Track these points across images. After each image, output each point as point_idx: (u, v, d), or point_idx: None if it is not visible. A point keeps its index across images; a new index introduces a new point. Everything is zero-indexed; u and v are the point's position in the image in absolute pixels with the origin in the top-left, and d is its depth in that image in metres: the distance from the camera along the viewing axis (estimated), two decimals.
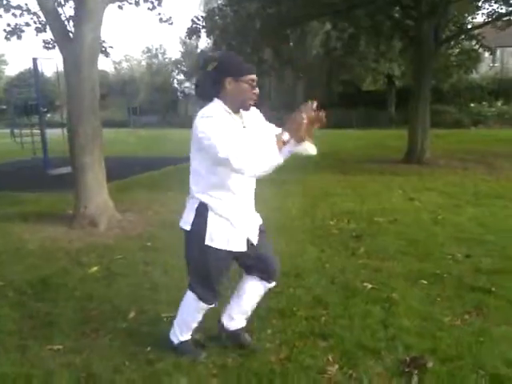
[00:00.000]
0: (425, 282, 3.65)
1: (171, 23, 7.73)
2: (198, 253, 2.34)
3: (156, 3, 7.25)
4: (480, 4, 12.94)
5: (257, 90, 2.30)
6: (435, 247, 4.54)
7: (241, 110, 2.34)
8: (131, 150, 16.04)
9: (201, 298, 2.45)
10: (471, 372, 2.40)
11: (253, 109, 2.41)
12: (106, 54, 8.25)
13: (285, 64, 13.35)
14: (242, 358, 2.56)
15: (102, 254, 4.53)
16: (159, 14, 7.70)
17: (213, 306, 2.51)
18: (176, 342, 2.61)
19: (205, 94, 2.32)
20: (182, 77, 40.08)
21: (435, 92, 26.19)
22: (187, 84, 38.10)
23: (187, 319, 2.58)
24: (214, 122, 2.14)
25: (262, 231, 2.50)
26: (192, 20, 10.61)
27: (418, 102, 10.62)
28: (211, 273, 2.39)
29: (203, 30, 10.86)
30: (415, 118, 10.71)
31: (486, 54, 16.64)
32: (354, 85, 27.19)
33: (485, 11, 14.25)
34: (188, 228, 2.36)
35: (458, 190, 7.43)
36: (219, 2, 11.34)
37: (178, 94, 39.18)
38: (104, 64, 46.66)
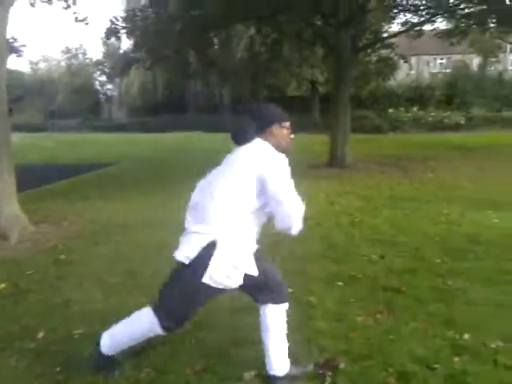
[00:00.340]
0: (341, 283, 3.78)
1: (87, 23, 7.44)
2: (189, 287, 2.22)
3: (71, 2, 6.94)
4: (395, 14, 13.73)
5: (291, 137, 2.48)
6: (352, 249, 4.72)
7: None
8: (48, 156, 15.25)
9: (162, 327, 2.28)
10: (381, 370, 2.50)
11: None
12: (19, 54, 7.80)
13: (209, 67, 13.33)
14: (156, 373, 2.49)
15: (10, 269, 4.24)
16: (74, 13, 7.38)
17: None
18: (103, 351, 2.41)
19: (246, 139, 2.34)
20: (104, 78, 38.78)
21: (355, 98, 27.47)
22: (110, 86, 36.94)
23: (130, 337, 2.39)
24: (287, 169, 2.23)
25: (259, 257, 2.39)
26: (111, 20, 10.30)
27: (338, 108, 11.04)
28: (193, 306, 2.31)
29: (123, 31, 10.57)
30: (336, 123, 11.12)
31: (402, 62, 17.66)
32: (279, 89, 27.78)
33: (400, 21, 15.19)
34: (186, 262, 2.21)
35: (375, 193, 7.80)
36: (142, 2, 11.14)
37: (100, 96, 37.84)
38: (19, 64, 44.06)
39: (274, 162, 2.21)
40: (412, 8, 11.90)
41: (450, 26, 13.66)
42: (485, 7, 10.43)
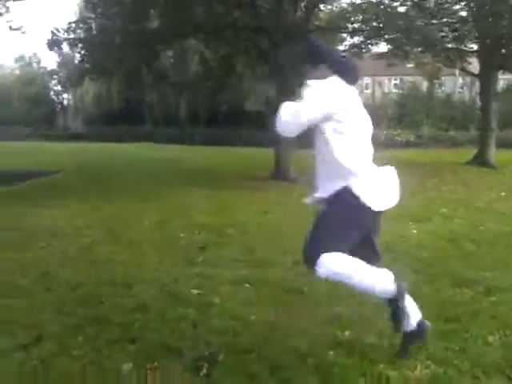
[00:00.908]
0: (248, 285, 3.97)
1: (24, 32, 7.45)
2: None
3: (4, 10, 6.92)
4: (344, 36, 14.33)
5: None
6: (272, 255, 4.92)
7: None
8: None
9: None
10: (256, 362, 2.69)
11: None
12: None
13: (159, 80, 13.47)
14: (43, 365, 2.59)
15: None
16: (8, 21, 7.34)
17: None
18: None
19: None
20: (59, 88, 38.13)
21: None
22: (65, 95, 36.37)
23: None
24: None
25: None
26: (52, 32, 10.26)
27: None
28: None
29: (66, 42, 10.57)
30: (279, 139, 11.43)
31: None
32: (237, 104, 28.12)
33: (348, 43, 15.80)
34: None
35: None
36: (88, 14, 11.21)
37: (56, 105, 37.16)
38: None
39: None
40: (353, 30, 12.49)
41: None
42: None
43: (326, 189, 2.64)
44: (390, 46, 12.57)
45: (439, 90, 30.82)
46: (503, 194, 9.39)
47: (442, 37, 13.22)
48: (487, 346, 2.97)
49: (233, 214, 7.05)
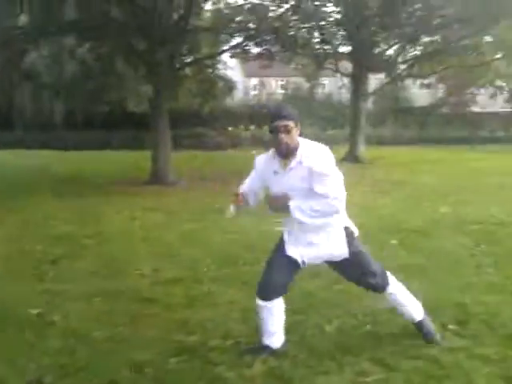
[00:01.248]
0: (99, 299, 3.79)
1: None
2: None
3: None
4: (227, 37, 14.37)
5: (280, 137, 2.59)
6: (131, 265, 4.76)
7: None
8: None
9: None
10: (88, 380, 2.57)
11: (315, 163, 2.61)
12: None
13: (31, 81, 12.50)
14: None
15: None
16: None
17: None
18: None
19: None
20: None
21: (196, 116, 28.00)
22: None
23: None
24: None
25: None
26: None
27: (157, 125, 11.14)
28: None
29: None
30: (156, 140, 11.20)
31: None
32: (119, 105, 27.00)
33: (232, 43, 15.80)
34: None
35: (184, 209, 7.92)
36: None
37: None
38: None
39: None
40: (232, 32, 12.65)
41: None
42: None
43: None
44: (260, 48, 12.90)
45: (320, 91, 32.47)
46: (367, 189, 10.10)
47: (310, 38, 13.91)
48: (323, 334, 3.15)
49: (97, 222, 6.73)
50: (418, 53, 17.17)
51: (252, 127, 28.29)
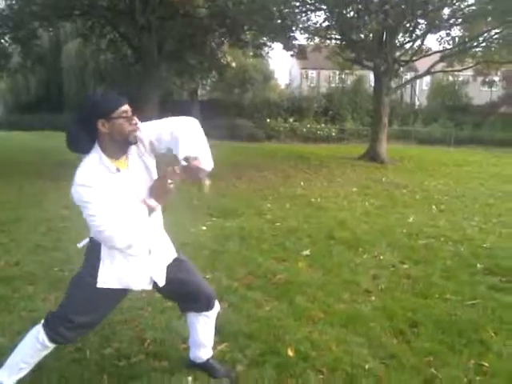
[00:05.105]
0: None
1: None
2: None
3: None
4: None
5: (135, 120, 2.00)
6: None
7: (128, 151, 2.06)
8: None
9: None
10: None
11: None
12: None
13: (35, 62, 12.73)
14: None
15: None
16: None
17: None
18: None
19: (81, 148, 2.00)
20: None
21: (236, 106, 27.64)
22: None
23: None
24: (90, 193, 1.92)
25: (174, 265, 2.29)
26: None
27: (146, 111, 10.87)
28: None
29: None
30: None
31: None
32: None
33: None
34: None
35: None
36: None
37: None
38: None
39: (75, 192, 1.95)
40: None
41: None
42: None
43: None
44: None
45: (367, 85, 30.82)
46: (354, 189, 9.28)
47: None
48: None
49: None
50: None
51: (291, 120, 27.44)
